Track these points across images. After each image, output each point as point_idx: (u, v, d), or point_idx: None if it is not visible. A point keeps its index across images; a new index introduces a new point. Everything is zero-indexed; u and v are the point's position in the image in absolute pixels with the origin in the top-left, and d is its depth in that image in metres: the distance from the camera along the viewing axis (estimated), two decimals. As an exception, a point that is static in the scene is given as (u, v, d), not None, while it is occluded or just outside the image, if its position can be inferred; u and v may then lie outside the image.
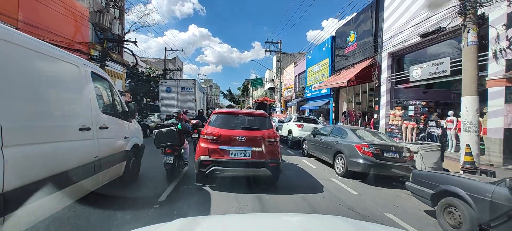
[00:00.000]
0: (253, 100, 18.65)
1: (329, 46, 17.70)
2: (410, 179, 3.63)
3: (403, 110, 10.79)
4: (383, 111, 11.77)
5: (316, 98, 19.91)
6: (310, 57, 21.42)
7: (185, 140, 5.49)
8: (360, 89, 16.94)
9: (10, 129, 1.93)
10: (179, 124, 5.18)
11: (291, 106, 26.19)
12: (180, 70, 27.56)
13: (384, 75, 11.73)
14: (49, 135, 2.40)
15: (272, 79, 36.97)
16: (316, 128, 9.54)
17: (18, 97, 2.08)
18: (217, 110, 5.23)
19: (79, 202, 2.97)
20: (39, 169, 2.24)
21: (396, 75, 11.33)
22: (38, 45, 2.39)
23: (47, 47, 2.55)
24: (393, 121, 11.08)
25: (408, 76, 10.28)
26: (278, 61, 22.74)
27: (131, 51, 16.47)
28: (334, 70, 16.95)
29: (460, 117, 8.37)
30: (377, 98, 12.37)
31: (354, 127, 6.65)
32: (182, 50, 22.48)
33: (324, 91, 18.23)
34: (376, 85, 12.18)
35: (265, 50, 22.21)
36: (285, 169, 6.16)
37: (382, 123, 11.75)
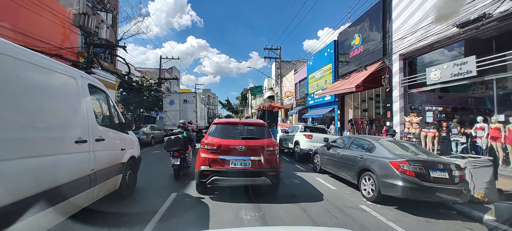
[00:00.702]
0: (257, 108, 17.13)
1: (331, 51, 16.87)
2: (493, 216, 2.53)
3: (420, 117, 9.78)
4: (396, 118, 10.75)
5: (319, 106, 18.92)
6: (311, 63, 20.59)
7: (189, 146, 6.26)
8: (366, 96, 16.01)
9: (3, 142, 1.90)
10: (185, 132, 6.05)
11: (292, 115, 25.15)
12: (176, 79, 26.62)
13: (396, 79, 10.79)
14: (44, 148, 2.33)
15: (271, 88, 36.11)
16: (327, 139, 8.44)
17: (12, 110, 2.04)
18: (216, 120, 5.21)
19: (73, 218, 2.79)
20: (33, 184, 2.16)
21: (409, 78, 10.38)
22: (33, 57, 2.34)
23: (43, 59, 2.52)
24: (409, 128, 10.05)
25: (424, 79, 9.36)
26: (277, 68, 21.89)
27: (124, 59, 15.78)
28: (338, 75, 16.06)
29: (492, 123, 7.40)
30: (388, 104, 11.37)
31: (379, 137, 5.57)
32: (178, 58, 21.63)
33: (328, 98, 17.27)
34: (387, 90, 11.21)
35: (264, 57, 21.40)
36: (296, 190, 5.02)
37: (396, 131, 10.69)
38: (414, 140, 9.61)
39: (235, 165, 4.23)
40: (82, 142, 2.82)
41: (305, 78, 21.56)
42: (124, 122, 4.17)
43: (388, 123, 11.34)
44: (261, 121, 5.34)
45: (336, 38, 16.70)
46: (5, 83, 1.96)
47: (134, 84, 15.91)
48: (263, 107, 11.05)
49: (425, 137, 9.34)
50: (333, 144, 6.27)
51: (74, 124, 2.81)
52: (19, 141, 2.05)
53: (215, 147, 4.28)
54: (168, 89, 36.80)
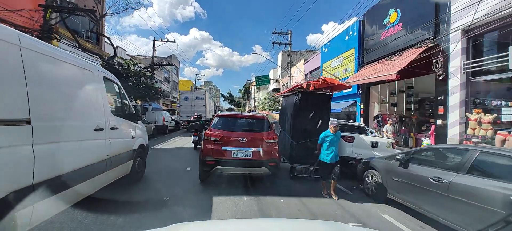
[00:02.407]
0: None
1: (355, 34, 14.13)
2: None
3: (494, 115, 7.16)
4: (454, 116, 8.12)
5: (336, 99, 16.27)
6: (326, 50, 17.86)
7: (203, 129, 9.43)
8: (396, 88, 13.35)
9: (39, 128, 2.24)
10: (200, 120, 10.93)
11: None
12: (171, 65, 23.98)
13: (455, 63, 8.12)
14: (70, 134, 2.70)
15: (277, 79, 33.32)
16: (376, 143, 5.86)
17: (45, 101, 2.40)
18: (219, 113, 5.51)
19: (78, 206, 2.92)
20: (62, 164, 2.53)
21: (475, 62, 7.70)
22: (60, 55, 2.71)
23: (67, 55, 2.86)
24: (475, 129, 7.46)
25: (505, 61, 6.72)
26: (288, 55, 19.14)
27: (109, 38, 13.95)
28: (362, 62, 13.38)
29: None
30: (440, 97, 8.72)
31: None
32: (174, 41, 18.81)
33: (347, 90, 14.61)
34: (440, 78, 8.54)
35: (273, 43, 18.66)
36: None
37: (452, 132, 8.09)
38: (483, 145, 7.01)
39: (236, 155, 4.50)
40: (99, 130, 3.18)
41: (318, 67, 18.87)
42: (134, 112, 4.50)
43: (439, 121, 8.70)
44: (262, 115, 5.60)
45: (361, 18, 13.92)
46: (38, 78, 2.30)
47: (119, 68, 13.35)
48: (306, 85, 5.33)
49: (503, 141, 6.75)
50: (418, 156, 3.65)
51: (92, 113, 3.14)
52: (50, 128, 2.41)
53: (218, 138, 4.56)
54: (166, 79, 34.14)
